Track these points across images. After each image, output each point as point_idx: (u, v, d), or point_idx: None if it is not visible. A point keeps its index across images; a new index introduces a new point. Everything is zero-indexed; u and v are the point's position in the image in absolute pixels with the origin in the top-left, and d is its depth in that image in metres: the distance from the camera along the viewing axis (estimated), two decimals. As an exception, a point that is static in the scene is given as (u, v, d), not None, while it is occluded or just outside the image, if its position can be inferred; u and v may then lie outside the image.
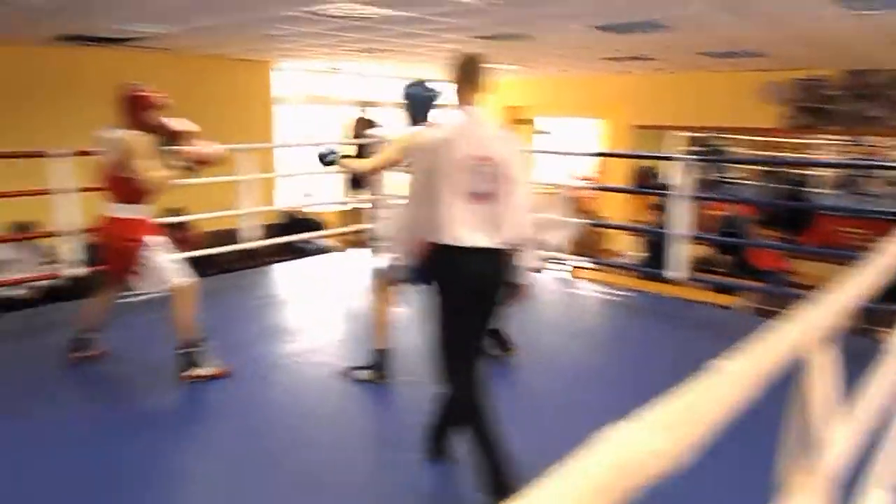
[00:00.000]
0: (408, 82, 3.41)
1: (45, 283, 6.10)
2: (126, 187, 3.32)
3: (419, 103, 3.35)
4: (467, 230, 2.35)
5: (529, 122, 11.63)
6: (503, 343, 3.79)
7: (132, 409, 3.25)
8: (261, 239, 6.11)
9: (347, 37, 6.09)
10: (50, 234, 4.94)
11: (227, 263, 7.57)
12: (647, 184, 9.47)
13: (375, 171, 3.39)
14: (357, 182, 6.71)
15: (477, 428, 2.39)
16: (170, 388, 3.40)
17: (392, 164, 3.25)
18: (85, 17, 5.12)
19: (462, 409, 2.47)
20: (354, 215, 6.83)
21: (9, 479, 2.57)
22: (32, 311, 5.14)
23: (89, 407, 3.31)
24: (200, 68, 7.99)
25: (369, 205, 6.72)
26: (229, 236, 7.17)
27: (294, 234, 7.26)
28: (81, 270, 4.71)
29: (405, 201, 2.55)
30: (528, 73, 9.81)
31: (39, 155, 4.42)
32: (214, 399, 3.37)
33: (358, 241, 6.77)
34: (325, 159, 3.46)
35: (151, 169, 3.27)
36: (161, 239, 3.49)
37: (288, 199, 8.88)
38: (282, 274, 6.28)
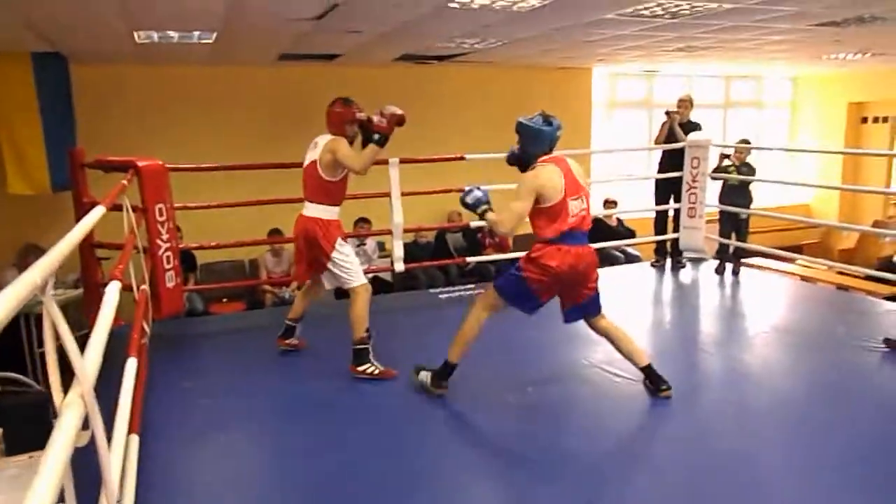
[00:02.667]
0: (527, 116, 3.27)
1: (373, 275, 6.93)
2: (321, 189, 3.70)
3: (535, 138, 3.21)
4: None
5: (886, 120, 9.89)
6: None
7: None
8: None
9: (663, 36, 5.82)
10: (382, 232, 5.62)
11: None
12: None
13: (514, 227, 3.24)
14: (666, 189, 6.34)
15: None
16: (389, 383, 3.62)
17: (525, 215, 3.14)
18: (420, 39, 5.71)
19: None
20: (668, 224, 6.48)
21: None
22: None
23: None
24: (521, 78, 8.34)
25: (673, 213, 6.36)
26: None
27: (601, 242, 7.21)
28: (401, 266, 5.25)
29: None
30: (883, 62, 8.34)
31: (384, 162, 5.04)
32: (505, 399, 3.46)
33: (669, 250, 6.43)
34: (468, 204, 3.32)
35: (351, 157, 3.63)
36: (347, 241, 3.78)
37: (596, 206, 8.83)
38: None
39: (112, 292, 2.10)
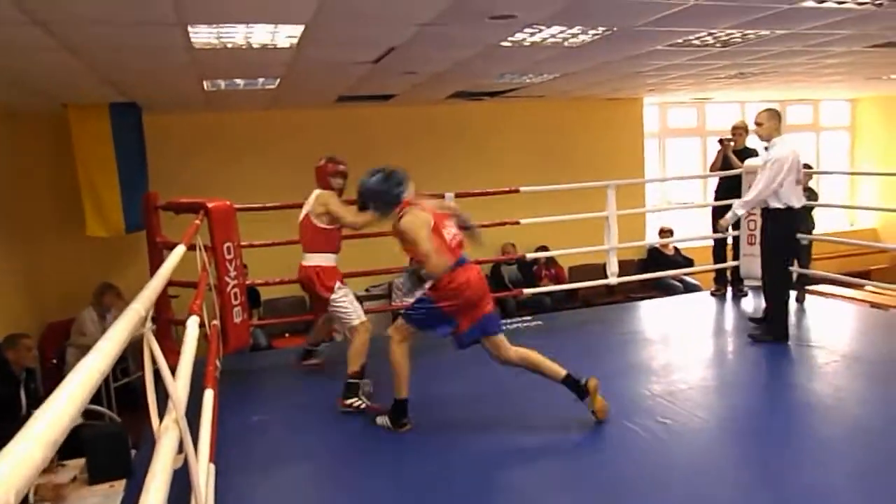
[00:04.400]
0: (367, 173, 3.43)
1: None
2: (318, 238, 4.01)
3: (386, 197, 3.36)
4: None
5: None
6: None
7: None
8: (624, 275, 6.14)
9: (715, 64, 5.82)
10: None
11: (590, 297, 7.79)
12: None
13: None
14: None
15: None
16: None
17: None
18: (473, 77, 5.85)
19: None
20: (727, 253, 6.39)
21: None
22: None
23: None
24: (572, 111, 8.42)
25: (732, 241, 6.26)
26: (593, 271, 7.38)
27: (658, 272, 7.14)
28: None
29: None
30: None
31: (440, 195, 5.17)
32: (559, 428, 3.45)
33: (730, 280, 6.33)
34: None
35: (345, 213, 3.96)
36: (345, 285, 4.02)
37: (653, 235, 8.76)
38: (645, 311, 6.18)
39: (192, 326, 2.23)
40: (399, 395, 3.44)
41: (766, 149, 4.64)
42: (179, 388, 1.56)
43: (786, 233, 4.61)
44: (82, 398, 0.73)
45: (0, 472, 0.56)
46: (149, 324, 1.39)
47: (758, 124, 4.62)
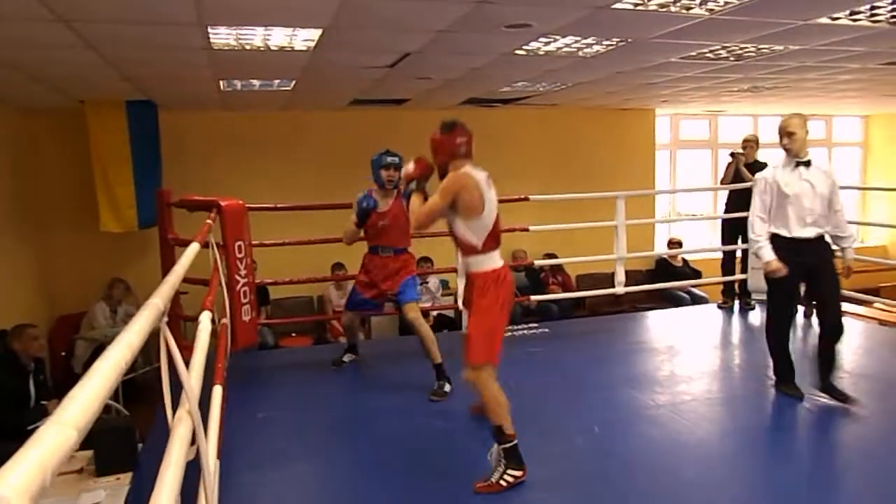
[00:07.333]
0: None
1: (437, 312, 7.04)
2: None
3: None
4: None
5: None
6: None
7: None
8: (632, 285, 6.15)
9: (728, 77, 5.83)
10: (445, 270, 5.73)
11: (597, 306, 7.79)
12: None
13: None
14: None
15: None
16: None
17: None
18: (487, 83, 5.89)
19: None
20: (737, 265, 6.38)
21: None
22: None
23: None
24: (584, 120, 8.44)
25: (741, 254, 6.26)
26: (601, 280, 7.39)
27: (665, 282, 7.14)
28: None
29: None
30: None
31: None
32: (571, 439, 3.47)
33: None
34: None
35: None
36: None
37: (662, 246, 8.76)
38: (652, 322, 6.18)
39: (205, 321, 2.27)
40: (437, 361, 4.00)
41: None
42: (192, 380, 1.59)
43: None
44: (109, 385, 0.76)
45: (36, 454, 0.59)
46: (164, 318, 1.43)
47: (791, 134, 3.87)
